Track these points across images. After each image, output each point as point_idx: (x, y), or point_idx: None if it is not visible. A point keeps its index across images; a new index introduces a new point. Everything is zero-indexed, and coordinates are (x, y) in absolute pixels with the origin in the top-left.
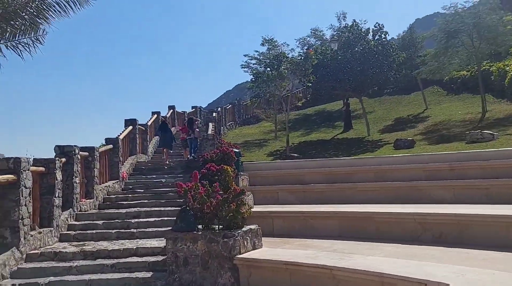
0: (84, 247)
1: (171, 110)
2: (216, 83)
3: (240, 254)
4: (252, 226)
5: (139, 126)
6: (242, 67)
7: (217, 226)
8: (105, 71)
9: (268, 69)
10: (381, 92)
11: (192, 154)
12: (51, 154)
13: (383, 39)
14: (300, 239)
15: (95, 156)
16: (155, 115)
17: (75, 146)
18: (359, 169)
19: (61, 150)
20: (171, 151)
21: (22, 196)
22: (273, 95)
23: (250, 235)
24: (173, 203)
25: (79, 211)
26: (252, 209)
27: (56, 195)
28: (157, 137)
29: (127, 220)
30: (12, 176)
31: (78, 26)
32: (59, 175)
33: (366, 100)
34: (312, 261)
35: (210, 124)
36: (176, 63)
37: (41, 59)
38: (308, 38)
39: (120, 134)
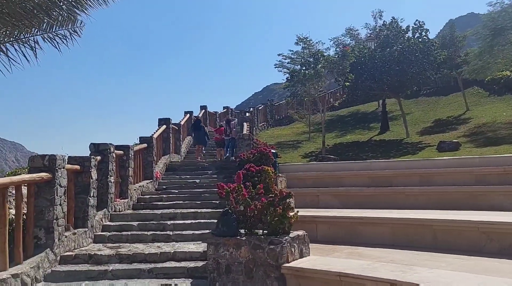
0: (119, 249)
1: (203, 110)
2: (244, 85)
3: (288, 262)
4: (299, 232)
5: (172, 126)
6: (276, 67)
7: (261, 231)
8: (137, 72)
9: (304, 67)
10: (417, 93)
11: (227, 154)
12: (85, 153)
13: (424, 37)
14: (349, 247)
15: (130, 155)
16: (188, 115)
17: (110, 144)
18: (402, 172)
19: (96, 148)
20: (204, 151)
21: (57, 195)
22: (309, 94)
23: (297, 242)
24: (209, 205)
25: (114, 211)
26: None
27: (91, 195)
28: (190, 137)
29: (163, 222)
30: (47, 174)
31: (113, 26)
32: (94, 174)
33: (402, 101)
34: (371, 274)
35: (245, 124)
36: (205, 66)
37: (75, 56)
38: (343, 38)
39: (154, 133)
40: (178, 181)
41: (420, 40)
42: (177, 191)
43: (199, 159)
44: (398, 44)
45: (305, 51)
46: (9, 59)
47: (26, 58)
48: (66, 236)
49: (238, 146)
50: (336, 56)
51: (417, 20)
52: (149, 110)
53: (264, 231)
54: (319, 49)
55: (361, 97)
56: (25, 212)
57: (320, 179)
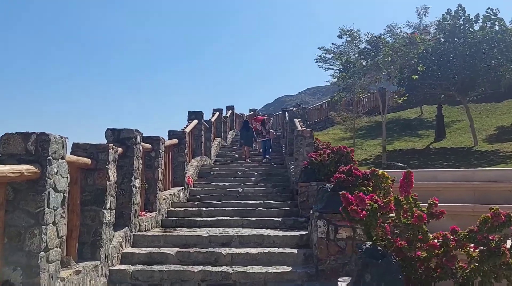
0: None
1: (230, 111)
2: (256, 95)
3: None
4: None
5: (204, 122)
6: (316, 61)
7: None
8: (150, 70)
9: (363, 57)
10: (465, 99)
11: (267, 156)
12: None
13: (502, 26)
14: None
15: (160, 151)
16: (217, 113)
17: (136, 130)
18: None
19: (115, 136)
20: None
21: (48, 206)
22: (365, 90)
23: None
24: (269, 223)
25: (138, 230)
26: None
27: (108, 206)
28: (219, 139)
29: (214, 250)
30: (31, 167)
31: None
32: (113, 173)
33: (447, 107)
34: None
35: (296, 120)
36: (215, 71)
37: (101, 50)
38: (382, 36)
39: (186, 126)
40: (215, 189)
41: (495, 30)
42: (219, 202)
43: (246, 157)
44: (469, 35)
45: (350, 44)
46: None
47: None
48: (62, 279)
49: (297, 145)
50: (404, 44)
51: (489, 7)
52: (160, 109)
53: None
54: (380, 36)
55: (419, 97)
56: None
57: None
